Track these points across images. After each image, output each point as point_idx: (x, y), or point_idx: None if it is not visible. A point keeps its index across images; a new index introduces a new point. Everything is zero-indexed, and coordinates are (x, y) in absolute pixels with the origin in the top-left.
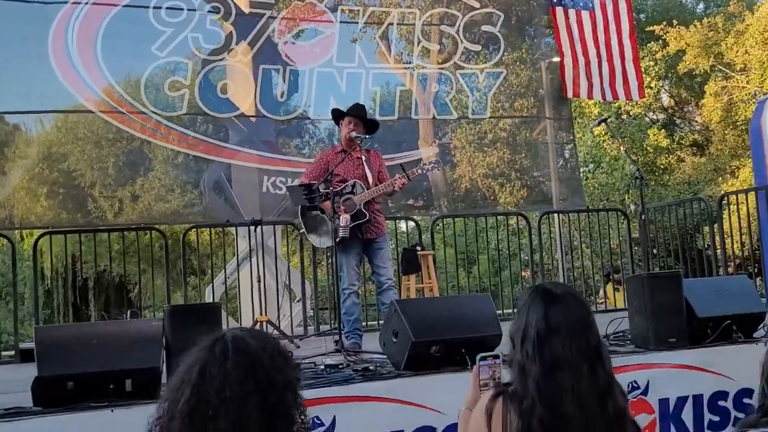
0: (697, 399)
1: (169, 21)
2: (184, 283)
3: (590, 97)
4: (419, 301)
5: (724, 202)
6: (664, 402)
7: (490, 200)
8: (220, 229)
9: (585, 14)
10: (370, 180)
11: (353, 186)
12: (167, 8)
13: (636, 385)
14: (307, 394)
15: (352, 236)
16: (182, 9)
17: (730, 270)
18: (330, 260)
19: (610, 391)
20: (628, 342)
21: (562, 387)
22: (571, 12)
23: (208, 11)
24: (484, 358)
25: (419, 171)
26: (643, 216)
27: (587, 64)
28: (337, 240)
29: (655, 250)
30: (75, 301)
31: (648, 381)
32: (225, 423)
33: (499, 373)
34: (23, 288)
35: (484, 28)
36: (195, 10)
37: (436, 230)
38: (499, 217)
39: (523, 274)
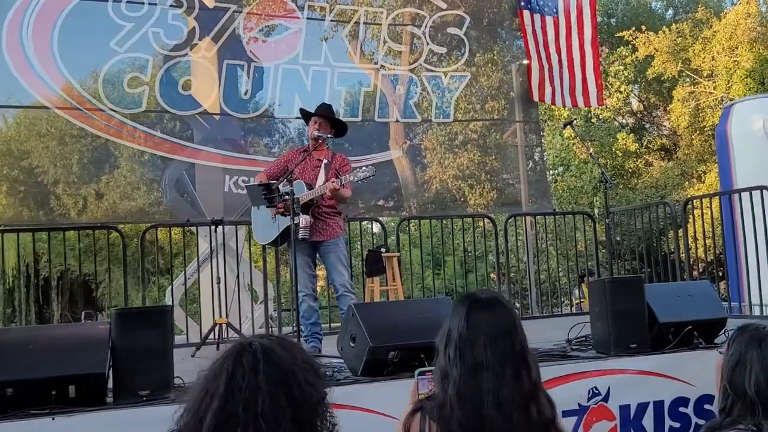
0: (658, 405)
1: (129, 15)
2: (142, 283)
3: (553, 102)
4: (377, 305)
5: (689, 206)
6: (624, 408)
7: (460, 202)
8: (186, 229)
9: (549, 20)
10: (319, 183)
11: (295, 186)
12: (127, 2)
13: (597, 392)
14: None
15: (298, 239)
16: (143, 3)
17: (695, 274)
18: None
19: (535, 398)
20: (590, 347)
21: (482, 389)
22: (537, 17)
23: (170, 5)
24: (422, 373)
25: (351, 177)
26: (607, 219)
27: (550, 69)
28: (297, 239)
29: (622, 253)
30: (38, 300)
31: (609, 387)
32: None
33: None
34: None
35: (450, 30)
36: (156, 4)
37: (405, 231)
38: (468, 219)
39: (492, 276)
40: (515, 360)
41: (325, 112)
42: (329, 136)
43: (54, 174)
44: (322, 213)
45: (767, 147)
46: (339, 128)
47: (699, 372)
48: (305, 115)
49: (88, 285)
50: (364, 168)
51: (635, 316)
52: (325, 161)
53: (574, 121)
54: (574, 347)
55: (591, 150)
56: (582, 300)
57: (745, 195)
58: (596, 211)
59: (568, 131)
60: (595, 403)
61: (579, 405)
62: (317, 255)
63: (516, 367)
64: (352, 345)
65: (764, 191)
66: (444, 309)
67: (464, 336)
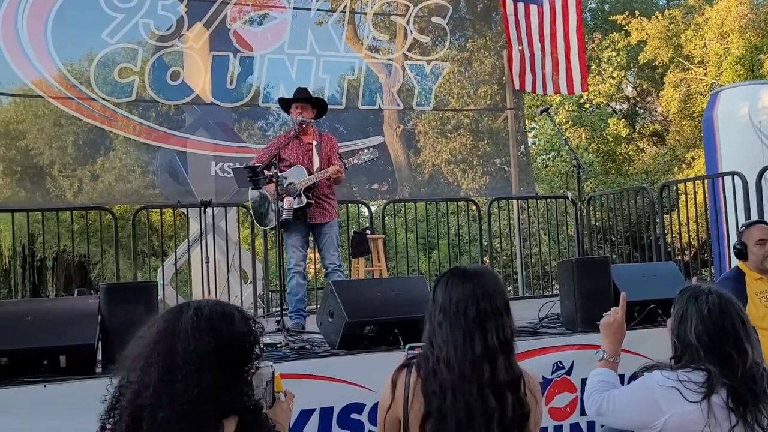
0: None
1: (120, 6)
2: (134, 263)
3: (533, 90)
4: (355, 282)
5: (664, 191)
6: (586, 381)
7: (453, 186)
8: (177, 211)
9: (533, 8)
10: (316, 166)
11: (295, 171)
12: None
13: (561, 365)
14: None
15: (296, 219)
16: None
17: (686, 258)
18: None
19: (496, 359)
20: (559, 324)
21: (456, 348)
22: (520, 5)
23: None
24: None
25: (354, 161)
26: (579, 204)
27: (532, 57)
28: (281, 221)
29: (613, 238)
30: (33, 281)
31: (573, 361)
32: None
33: None
34: None
35: (435, 20)
36: None
37: (393, 214)
38: (460, 203)
39: (485, 259)
40: (482, 323)
41: (303, 95)
42: (311, 120)
43: (50, 155)
44: (320, 195)
45: (751, 133)
46: (320, 109)
47: (660, 347)
48: (285, 103)
49: (84, 266)
50: (366, 151)
51: (601, 295)
52: (315, 143)
53: (553, 107)
54: (544, 324)
55: (565, 136)
56: None
57: (726, 179)
58: (570, 194)
59: (559, 116)
60: (558, 377)
61: (543, 377)
62: (311, 236)
63: (482, 329)
64: (330, 320)
65: (736, 177)
66: (418, 287)
67: (438, 303)
